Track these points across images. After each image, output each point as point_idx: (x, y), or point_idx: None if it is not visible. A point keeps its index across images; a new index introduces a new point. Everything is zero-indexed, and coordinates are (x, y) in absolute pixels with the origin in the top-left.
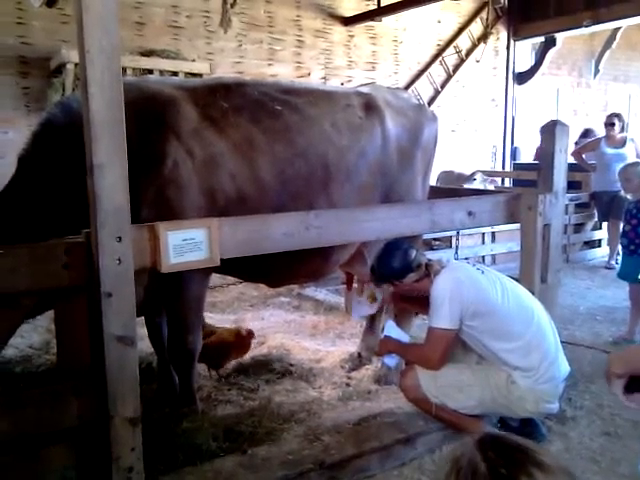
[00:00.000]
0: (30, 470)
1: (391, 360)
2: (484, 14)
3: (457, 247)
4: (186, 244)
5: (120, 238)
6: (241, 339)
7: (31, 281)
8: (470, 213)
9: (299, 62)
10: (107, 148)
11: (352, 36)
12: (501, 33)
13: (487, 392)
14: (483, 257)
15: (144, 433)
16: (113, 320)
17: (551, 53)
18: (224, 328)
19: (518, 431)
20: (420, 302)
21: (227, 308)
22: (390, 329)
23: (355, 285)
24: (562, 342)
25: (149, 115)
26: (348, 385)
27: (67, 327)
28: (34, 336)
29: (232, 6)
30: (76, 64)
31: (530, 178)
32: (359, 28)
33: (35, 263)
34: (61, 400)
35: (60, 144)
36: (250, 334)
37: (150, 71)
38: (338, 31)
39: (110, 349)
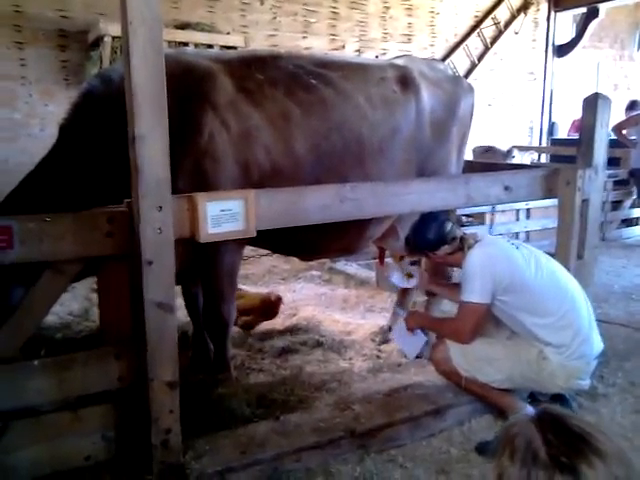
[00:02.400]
0: (72, 429)
1: (403, 311)
2: None
3: (492, 223)
4: (223, 215)
5: (161, 208)
6: (269, 304)
7: (75, 248)
8: (507, 188)
9: (334, 34)
10: (149, 119)
11: (388, 8)
12: (541, 4)
13: (517, 367)
14: (517, 234)
15: (180, 398)
16: (153, 287)
17: (593, 25)
18: (254, 293)
19: None
20: (454, 288)
21: (259, 280)
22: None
23: (388, 260)
24: (596, 320)
25: (186, 87)
26: (378, 357)
27: (109, 293)
28: (74, 304)
29: None
30: (113, 37)
31: (568, 154)
32: None
33: (79, 231)
34: (103, 363)
35: (100, 115)
36: (278, 300)
37: (185, 44)
38: (373, 2)
39: (150, 315)
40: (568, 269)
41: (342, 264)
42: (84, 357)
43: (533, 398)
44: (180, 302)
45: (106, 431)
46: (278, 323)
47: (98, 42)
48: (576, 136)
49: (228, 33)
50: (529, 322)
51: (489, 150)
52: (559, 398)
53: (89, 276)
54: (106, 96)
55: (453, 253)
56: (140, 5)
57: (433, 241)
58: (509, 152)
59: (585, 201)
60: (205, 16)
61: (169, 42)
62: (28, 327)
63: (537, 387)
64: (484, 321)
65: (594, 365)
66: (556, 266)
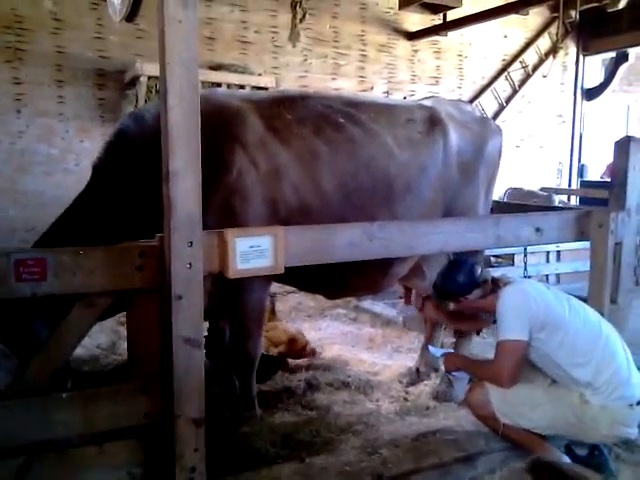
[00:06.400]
0: (98, 464)
1: (437, 350)
2: (553, 29)
3: (525, 264)
4: (252, 251)
5: (191, 243)
6: (294, 346)
7: (107, 281)
8: (538, 229)
9: (362, 76)
10: (183, 156)
11: (416, 51)
12: (570, 48)
13: (560, 412)
14: (547, 276)
15: (205, 436)
16: (182, 322)
17: (622, 69)
18: (283, 328)
19: (585, 462)
20: (468, 320)
21: (285, 317)
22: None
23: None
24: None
25: (216, 125)
26: (406, 400)
27: (138, 327)
28: (101, 337)
29: (301, 21)
30: (149, 77)
31: (598, 196)
32: (423, 43)
33: (111, 264)
34: (131, 398)
35: (132, 153)
36: (305, 346)
37: (218, 84)
38: (402, 46)
39: (178, 350)
40: (602, 314)
41: (368, 303)
42: (111, 391)
43: (569, 451)
44: None
45: (132, 467)
46: (303, 361)
47: (134, 81)
48: (607, 179)
49: (260, 74)
50: (565, 361)
51: (517, 190)
52: (597, 454)
53: (120, 312)
54: (138, 135)
55: (485, 296)
56: (178, 46)
57: (464, 285)
58: (549, 196)
59: (618, 244)
60: (238, 58)
61: (203, 82)
62: (58, 359)
63: (581, 435)
64: (523, 362)
65: (638, 412)
66: (588, 309)
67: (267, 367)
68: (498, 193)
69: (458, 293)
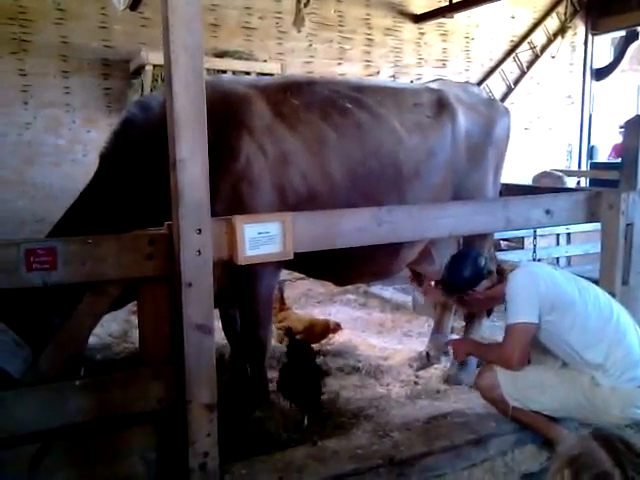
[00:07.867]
0: (112, 450)
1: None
2: (561, 8)
3: (534, 247)
4: (261, 237)
5: (200, 230)
6: (312, 331)
7: (117, 270)
8: (548, 211)
9: (368, 60)
10: (190, 144)
11: (422, 33)
12: (578, 28)
13: (572, 394)
14: (557, 259)
15: (218, 421)
16: (192, 309)
17: (632, 48)
18: (297, 317)
19: None
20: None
21: (295, 304)
22: None
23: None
24: None
25: (223, 112)
26: (416, 384)
27: (149, 315)
28: (113, 325)
29: (305, 5)
30: (154, 65)
31: (609, 178)
32: (430, 25)
33: (121, 252)
34: (143, 384)
35: (138, 141)
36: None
37: (223, 72)
38: (408, 29)
39: (189, 337)
40: (613, 295)
41: (378, 288)
42: (124, 378)
43: None
44: (217, 324)
45: (145, 452)
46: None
47: (139, 70)
48: (616, 160)
49: (265, 60)
50: (576, 343)
51: (547, 175)
52: None
53: (131, 301)
54: (144, 123)
55: (492, 287)
56: (182, 34)
57: (471, 278)
58: (560, 177)
59: (629, 225)
60: (243, 44)
61: (208, 70)
62: (71, 347)
63: (592, 417)
64: (532, 350)
65: None
66: (598, 290)
67: (310, 390)
68: (525, 178)
69: (466, 287)
